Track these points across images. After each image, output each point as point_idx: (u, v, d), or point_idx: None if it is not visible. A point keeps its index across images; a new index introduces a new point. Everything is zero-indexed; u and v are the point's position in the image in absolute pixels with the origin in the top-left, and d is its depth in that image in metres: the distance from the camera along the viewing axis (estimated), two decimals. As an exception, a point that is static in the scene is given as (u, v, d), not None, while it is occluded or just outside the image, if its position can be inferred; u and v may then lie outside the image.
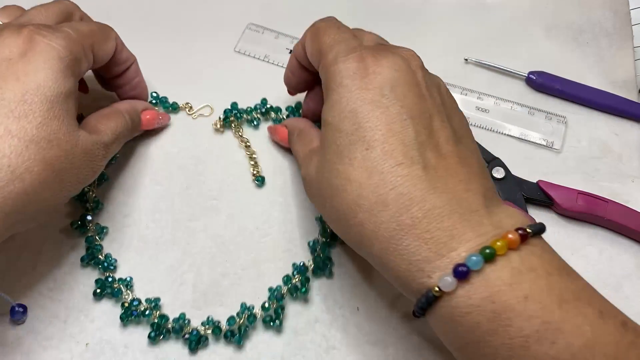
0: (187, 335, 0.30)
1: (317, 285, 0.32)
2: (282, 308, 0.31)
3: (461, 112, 0.28)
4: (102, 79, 0.35)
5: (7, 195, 0.24)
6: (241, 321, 0.30)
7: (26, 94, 0.25)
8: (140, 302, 0.31)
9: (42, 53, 0.27)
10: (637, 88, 0.39)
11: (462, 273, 0.21)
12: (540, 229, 0.23)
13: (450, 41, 0.41)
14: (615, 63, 0.40)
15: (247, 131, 0.37)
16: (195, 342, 0.30)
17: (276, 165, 0.36)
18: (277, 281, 0.32)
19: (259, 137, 0.37)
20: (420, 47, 0.41)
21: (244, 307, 0.31)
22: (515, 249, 0.22)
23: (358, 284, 0.32)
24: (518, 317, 0.21)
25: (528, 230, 0.23)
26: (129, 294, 0.31)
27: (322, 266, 0.32)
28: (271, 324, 0.30)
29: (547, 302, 0.21)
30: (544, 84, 0.39)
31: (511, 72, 0.40)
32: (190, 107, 0.38)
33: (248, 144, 0.36)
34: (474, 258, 0.21)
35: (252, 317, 0.30)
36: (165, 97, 0.38)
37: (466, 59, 0.40)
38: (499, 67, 0.40)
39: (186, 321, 0.31)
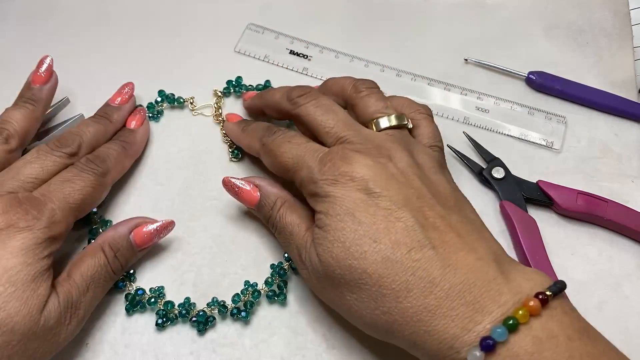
0: (194, 318, 0.30)
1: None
2: (285, 283, 0.32)
3: (443, 172, 0.29)
4: None
5: None
6: (246, 298, 0.31)
7: None
8: (144, 291, 0.31)
9: (19, 239, 0.26)
10: (637, 88, 0.39)
11: (488, 346, 0.22)
12: (560, 288, 0.24)
13: (450, 41, 0.41)
14: (615, 63, 0.40)
15: (241, 108, 0.38)
16: (203, 323, 0.30)
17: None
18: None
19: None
20: (420, 46, 0.41)
21: (248, 284, 0.31)
22: (537, 316, 0.23)
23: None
24: None
25: (548, 293, 0.23)
26: (132, 286, 0.31)
27: None
28: (275, 298, 0.31)
29: None
30: (543, 84, 0.39)
31: (511, 72, 0.40)
32: (193, 100, 0.38)
33: (219, 118, 0.37)
34: (499, 330, 0.22)
35: (256, 293, 0.31)
36: (172, 94, 0.38)
37: (466, 59, 0.40)
38: (499, 67, 0.40)
39: (192, 305, 0.31)
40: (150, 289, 0.31)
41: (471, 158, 0.36)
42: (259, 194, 0.31)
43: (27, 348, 0.25)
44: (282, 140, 0.30)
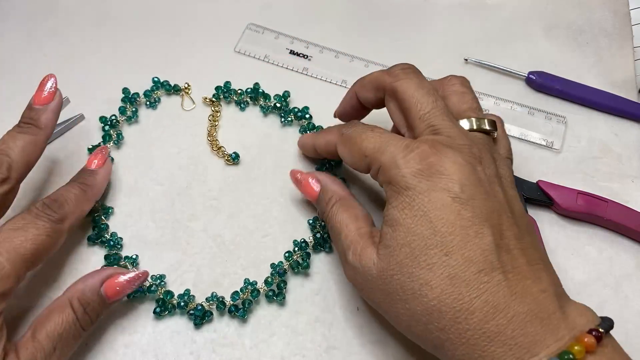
0: (192, 311, 0.30)
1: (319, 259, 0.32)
2: (285, 283, 0.31)
3: (516, 189, 0.28)
4: None
5: None
6: (245, 296, 0.31)
7: None
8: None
9: None
10: (637, 88, 0.39)
11: None
12: (610, 325, 0.23)
13: (450, 41, 0.41)
14: (615, 63, 0.40)
15: (234, 113, 0.38)
16: (200, 317, 0.30)
17: (277, 166, 0.36)
18: (277, 281, 0.32)
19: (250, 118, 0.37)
20: (420, 47, 0.41)
21: (247, 282, 0.31)
22: (592, 352, 0.22)
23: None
24: None
25: (601, 330, 0.23)
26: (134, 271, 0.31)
27: (322, 242, 0.33)
28: (274, 298, 0.31)
29: None
30: (543, 84, 0.39)
31: (511, 72, 0.40)
32: (188, 87, 0.38)
33: (215, 123, 0.37)
34: None
35: (255, 292, 0.31)
36: (167, 81, 0.38)
37: (466, 59, 0.40)
38: (499, 67, 0.40)
39: (191, 297, 0.31)
40: (152, 277, 0.32)
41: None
42: (319, 188, 0.31)
43: None
44: (364, 129, 0.28)
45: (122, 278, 0.29)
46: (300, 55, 0.40)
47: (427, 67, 0.40)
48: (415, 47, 0.41)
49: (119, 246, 0.33)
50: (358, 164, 0.29)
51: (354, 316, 0.31)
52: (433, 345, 0.25)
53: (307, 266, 0.32)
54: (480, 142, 0.27)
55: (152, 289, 0.31)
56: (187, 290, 0.31)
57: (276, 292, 0.31)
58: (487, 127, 0.28)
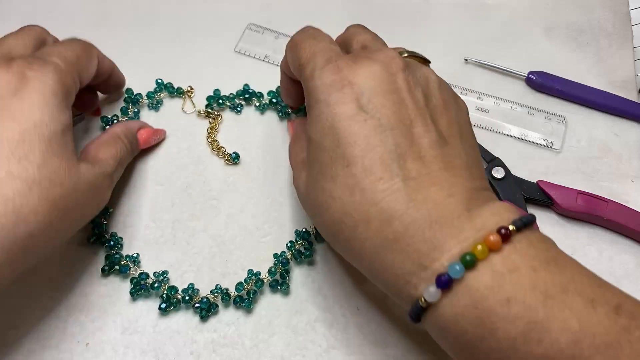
0: (197, 305, 0.31)
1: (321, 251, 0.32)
2: (288, 272, 0.32)
3: (457, 105, 0.27)
4: None
5: (12, 239, 0.24)
6: (249, 287, 0.31)
7: (24, 133, 0.25)
8: (148, 275, 0.31)
9: (35, 90, 0.26)
10: (637, 88, 0.39)
11: (444, 283, 0.21)
12: (525, 222, 0.23)
13: (450, 41, 0.41)
14: (615, 63, 0.40)
15: (231, 117, 0.38)
16: (206, 309, 0.31)
17: (277, 165, 0.36)
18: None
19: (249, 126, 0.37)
20: (420, 47, 0.41)
21: (251, 273, 0.32)
22: (498, 251, 0.22)
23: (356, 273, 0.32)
24: (502, 321, 0.21)
25: (511, 227, 0.22)
26: (136, 270, 0.32)
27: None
28: (278, 287, 0.31)
29: (530, 302, 0.21)
30: (543, 84, 0.39)
31: (511, 72, 0.40)
32: (191, 90, 0.38)
33: (215, 129, 0.37)
34: (455, 267, 0.21)
35: (259, 282, 0.31)
36: (170, 83, 0.38)
37: (466, 59, 0.40)
38: (499, 67, 0.40)
39: (195, 291, 0.31)
40: (154, 273, 0.32)
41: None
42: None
43: (77, 202, 0.27)
44: (308, 36, 0.29)
45: (146, 131, 0.35)
46: None
47: (427, 67, 0.40)
48: (415, 47, 0.41)
49: (119, 246, 0.33)
50: (296, 72, 0.29)
51: (354, 316, 0.31)
52: (345, 255, 0.26)
53: (310, 255, 0.32)
54: (410, 59, 0.28)
55: (156, 285, 0.31)
56: (191, 285, 0.32)
57: (280, 282, 0.31)
58: (420, 56, 0.29)
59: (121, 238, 0.33)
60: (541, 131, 0.38)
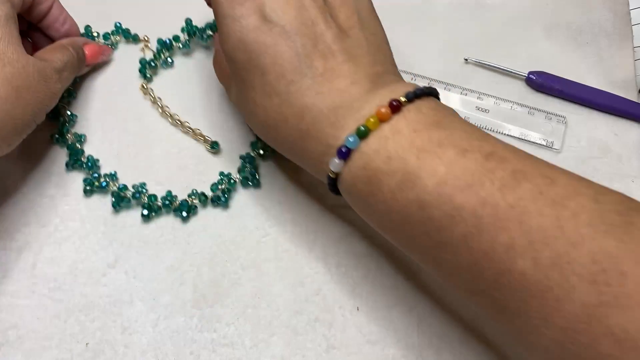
0: (176, 209, 0.33)
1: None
2: (256, 168, 0.35)
3: (349, 2, 0.29)
4: (28, 31, 0.36)
5: None
6: (223, 187, 0.34)
7: None
8: (127, 187, 0.34)
9: None
10: (637, 88, 0.39)
11: (343, 154, 0.25)
12: (418, 94, 0.25)
13: (450, 41, 0.41)
14: (615, 63, 0.40)
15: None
16: (186, 211, 0.33)
17: (277, 165, 0.36)
18: (279, 282, 0.32)
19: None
20: (420, 47, 0.41)
21: (222, 174, 0.35)
22: (387, 121, 0.24)
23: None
24: (384, 175, 0.24)
25: (402, 99, 0.25)
26: (115, 184, 0.34)
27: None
28: (249, 183, 0.35)
29: (406, 156, 0.24)
30: (544, 84, 0.39)
31: (511, 72, 0.40)
32: (147, 40, 0.39)
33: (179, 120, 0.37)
34: (350, 139, 0.25)
35: (232, 182, 0.34)
36: (128, 29, 0.39)
37: (466, 59, 0.40)
38: (499, 67, 0.40)
39: (174, 197, 0.34)
40: (133, 185, 0.34)
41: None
42: None
43: (29, 84, 0.29)
44: None
45: (92, 47, 0.36)
46: None
47: (427, 67, 0.40)
48: (415, 47, 0.41)
49: (97, 167, 0.35)
50: (209, 4, 0.30)
51: (354, 316, 0.31)
52: (277, 150, 0.30)
53: (273, 152, 0.35)
54: None
55: (137, 196, 0.33)
56: (169, 192, 0.34)
57: (250, 178, 0.34)
58: None
59: (97, 160, 0.35)
60: (541, 131, 0.38)
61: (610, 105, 0.38)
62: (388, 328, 0.31)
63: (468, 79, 0.40)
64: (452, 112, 0.26)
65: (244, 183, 0.35)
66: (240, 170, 0.35)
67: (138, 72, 0.38)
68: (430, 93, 0.26)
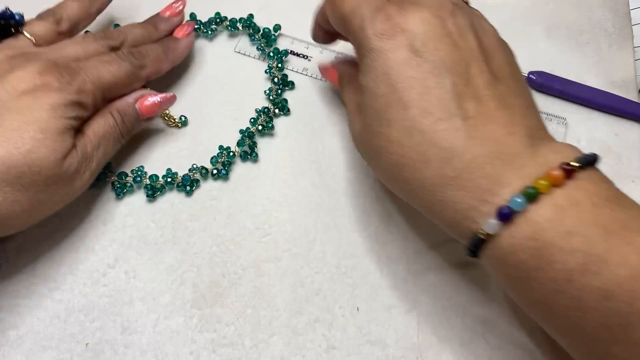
0: (179, 184, 0.34)
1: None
2: (255, 143, 0.36)
3: (504, 47, 0.28)
4: None
5: None
6: (222, 160, 0.35)
7: (23, 124, 0.27)
8: (127, 174, 0.34)
9: (49, 98, 0.28)
10: (637, 88, 0.39)
11: (505, 215, 0.22)
12: (589, 160, 0.23)
13: (450, 41, 0.41)
14: (615, 63, 0.40)
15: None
16: (190, 185, 0.34)
17: (277, 165, 0.36)
18: (279, 282, 0.32)
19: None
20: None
21: (222, 148, 0.35)
22: (560, 186, 0.22)
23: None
24: (561, 253, 0.21)
25: (574, 164, 0.22)
26: (113, 174, 0.34)
27: (282, 107, 0.37)
28: (248, 157, 0.35)
29: (591, 235, 0.21)
30: (544, 84, 0.39)
31: (511, 72, 0.40)
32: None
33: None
34: (517, 200, 0.22)
35: (231, 155, 0.35)
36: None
37: (466, 59, 0.40)
38: (499, 67, 0.40)
39: (174, 174, 0.34)
40: (132, 170, 0.35)
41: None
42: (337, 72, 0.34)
43: (48, 190, 0.28)
44: None
45: (152, 99, 0.34)
46: (300, 55, 0.40)
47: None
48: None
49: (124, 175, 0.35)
50: (339, 26, 0.29)
51: (354, 316, 0.31)
52: (404, 196, 0.27)
53: (272, 127, 0.36)
54: (456, 1, 0.28)
55: (137, 179, 0.34)
56: (169, 169, 0.35)
57: (249, 152, 0.35)
58: None
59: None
60: (541, 131, 0.38)
61: (610, 105, 0.38)
62: (388, 328, 0.31)
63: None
64: (615, 186, 0.24)
65: (243, 156, 0.35)
66: (239, 144, 0.36)
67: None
68: (595, 158, 0.24)
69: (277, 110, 0.37)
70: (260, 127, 0.36)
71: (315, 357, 0.30)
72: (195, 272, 0.32)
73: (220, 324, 0.31)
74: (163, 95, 0.34)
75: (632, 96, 0.39)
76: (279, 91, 0.38)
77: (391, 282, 0.32)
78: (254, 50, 0.40)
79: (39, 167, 0.27)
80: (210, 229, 0.34)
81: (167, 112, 0.37)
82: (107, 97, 0.32)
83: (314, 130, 0.37)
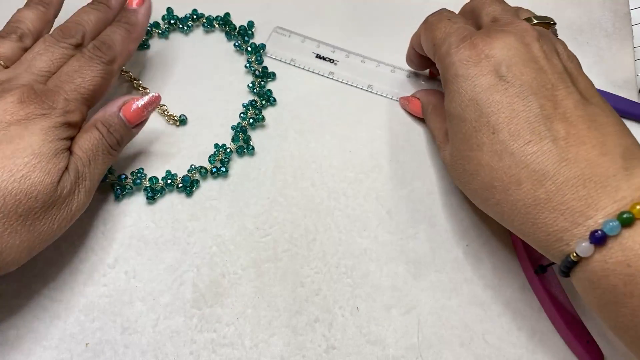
0: (179, 185, 0.34)
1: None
2: (249, 137, 0.36)
3: (586, 75, 0.28)
4: None
5: None
6: (219, 157, 0.35)
7: (15, 151, 0.27)
8: (126, 176, 0.34)
9: (37, 124, 0.28)
10: (637, 88, 0.39)
11: (598, 239, 0.22)
12: None
13: (450, 41, 0.41)
14: (615, 63, 0.40)
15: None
16: (189, 186, 0.34)
17: (277, 165, 0.36)
18: (279, 282, 0.32)
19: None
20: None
21: (217, 146, 0.36)
22: None
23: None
24: None
25: None
26: (114, 176, 0.34)
27: (267, 98, 0.38)
28: (245, 151, 0.36)
29: None
30: (544, 84, 0.39)
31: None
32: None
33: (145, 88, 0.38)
34: (611, 224, 0.22)
35: (228, 151, 0.36)
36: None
37: (466, 59, 0.40)
38: (499, 67, 0.40)
39: (174, 175, 0.35)
40: (132, 173, 0.35)
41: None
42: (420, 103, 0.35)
43: (46, 216, 0.27)
44: (443, 17, 0.30)
45: (136, 103, 0.32)
46: (327, 59, 0.40)
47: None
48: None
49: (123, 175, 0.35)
50: (429, 51, 0.31)
51: (354, 316, 0.31)
52: (497, 218, 0.27)
53: (263, 118, 0.37)
54: (541, 29, 0.28)
55: (137, 182, 0.34)
56: (168, 171, 0.35)
57: (245, 146, 0.36)
58: (548, 21, 0.30)
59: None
60: (541, 131, 0.38)
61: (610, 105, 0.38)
62: (388, 328, 0.31)
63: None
64: None
65: (240, 151, 0.36)
66: (233, 140, 0.36)
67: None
68: None
69: (263, 102, 0.38)
70: (251, 121, 0.37)
71: (315, 357, 0.30)
72: (195, 272, 0.32)
73: (220, 324, 0.31)
74: (147, 97, 0.32)
75: (632, 96, 0.39)
76: (262, 83, 0.38)
77: (391, 282, 0.32)
78: (282, 53, 0.40)
79: (36, 192, 0.26)
80: (210, 229, 0.34)
81: (166, 109, 0.37)
82: (92, 105, 0.31)
83: (302, 119, 0.38)
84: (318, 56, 0.40)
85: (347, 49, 0.40)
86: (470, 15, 0.32)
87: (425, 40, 0.31)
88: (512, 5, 0.31)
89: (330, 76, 0.39)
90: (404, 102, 0.37)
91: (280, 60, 0.40)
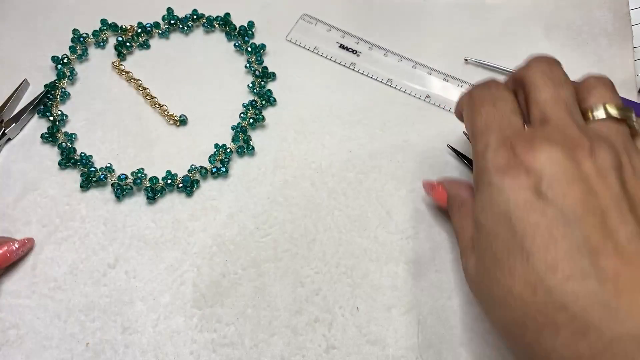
0: (179, 185, 0.34)
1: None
2: (250, 137, 0.36)
3: None
4: None
5: None
6: (220, 157, 0.35)
7: None
8: (127, 176, 0.35)
9: None
10: (637, 88, 0.39)
11: None
12: None
13: (450, 41, 0.41)
14: (615, 63, 0.40)
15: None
16: (190, 186, 0.34)
17: (277, 165, 0.36)
18: (279, 282, 0.32)
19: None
20: (420, 47, 0.41)
21: (217, 146, 0.36)
22: None
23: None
24: None
25: None
26: (114, 176, 0.35)
27: (267, 98, 0.38)
28: (245, 151, 0.36)
29: None
30: (543, 84, 0.39)
31: (511, 72, 0.40)
32: (134, 30, 0.40)
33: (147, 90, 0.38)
34: None
35: (228, 151, 0.36)
36: (114, 22, 0.40)
37: (466, 59, 0.40)
38: (499, 67, 0.40)
39: (174, 175, 0.35)
40: (132, 173, 0.35)
41: (471, 158, 0.36)
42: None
43: None
44: (487, 99, 0.26)
45: (6, 248, 0.31)
46: (350, 50, 0.40)
47: (427, 67, 0.40)
48: (416, 47, 0.41)
49: (91, 163, 0.35)
50: (468, 135, 0.27)
51: (354, 316, 0.31)
52: (524, 357, 0.22)
53: (263, 119, 0.37)
54: (604, 132, 0.24)
55: (137, 182, 0.34)
56: (168, 171, 0.35)
57: (245, 146, 0.36)
58: (616, 114, 0.24)
59: (91, 156, 0.36)
60: (541, 131, 0.38)
61: (610, 105, 0.38)
62: (388, 328, 0.31)
63: (468, 79, 0.40)
64: None
65: (240, 151, 0.36)
66: (233, 140, 0.36)
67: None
68: None
69: (263, 102, 0.38)
70: (251, 121, 0.37)
71: (315, 357, 0.30)
72: (195, 272, 0.32)
73: (220, 323, 0.31)
74: (16, 245, 0.31)
75: (632, 96, 0.39)
76: (262, 83, 0.38)
77: (391, 282, 0.32)
78: (306, 40, 0.41)
79: None
80: (210, 229, 0.34)
81: (166, 109, 0.37)
82: None
83: (302, 119, 0.37)
84: (342, 46, 0.40)
85: (371, 41, 0.41)
86: (520, 87, 0.27)
87: (466, 120, 0.27)
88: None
89: (352, 67, 0.40)
90: (428, 188, 0.33)
91: (303, 47, 0.40)
